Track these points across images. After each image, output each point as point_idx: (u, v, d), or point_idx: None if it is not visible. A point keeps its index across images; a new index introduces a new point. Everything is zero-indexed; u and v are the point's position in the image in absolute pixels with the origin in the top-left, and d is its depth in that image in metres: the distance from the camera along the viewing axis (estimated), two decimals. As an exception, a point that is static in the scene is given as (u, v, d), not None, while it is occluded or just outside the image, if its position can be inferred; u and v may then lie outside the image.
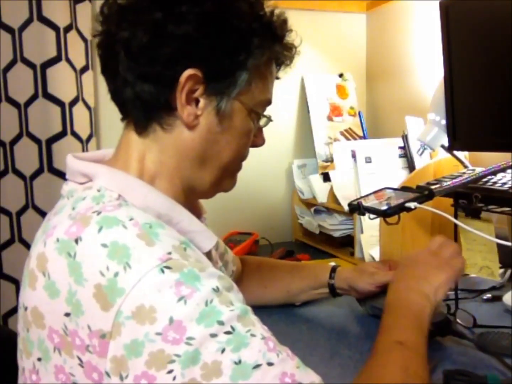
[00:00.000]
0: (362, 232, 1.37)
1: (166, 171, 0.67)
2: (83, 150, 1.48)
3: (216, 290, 0.53)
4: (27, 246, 1.48)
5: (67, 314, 0.53)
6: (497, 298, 1.05)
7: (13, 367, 0.63)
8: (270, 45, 0.68)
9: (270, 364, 0.51)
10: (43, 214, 1.46)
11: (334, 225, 1.48)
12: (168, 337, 0.49)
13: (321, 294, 1.02)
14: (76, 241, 0.55)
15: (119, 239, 0.53)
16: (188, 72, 0.62)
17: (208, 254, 0.66)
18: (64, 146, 1.45)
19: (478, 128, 1.09)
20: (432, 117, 1.20)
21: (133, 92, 0.64)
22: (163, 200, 0.63)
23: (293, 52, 0.72)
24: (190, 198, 0.71)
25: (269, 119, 0.74)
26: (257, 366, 0.50)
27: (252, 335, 0.52)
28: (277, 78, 0.74)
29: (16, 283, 1.49)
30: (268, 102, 0.72)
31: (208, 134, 0.66)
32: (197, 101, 0.65)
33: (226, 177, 0.73)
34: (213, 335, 0.50)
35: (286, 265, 1.08)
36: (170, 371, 0.48)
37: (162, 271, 0.51)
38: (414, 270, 0.79)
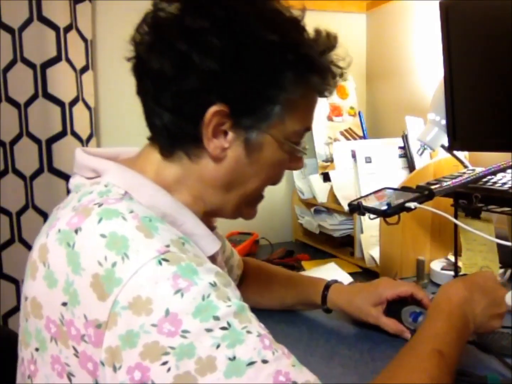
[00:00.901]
0: (362, 232, 1.37)
1: (187, 191, 0.66)
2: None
3: (214, 285, 0.53)
4: (27, 246, 1.48)
5: (64, 304, 0.53)
6: (497, 298, 1.05)
7: (13, 367, 0.63)
8: (307, 78, 0.63)
9: (264, 361, 0.50)
10: (43, 214, 1.46)
11: (334, 225, 1.48)
12: (164, 329, 0.49)
13: (316, 307, 1.01)
14: (76, 231, 0.55)
15: (118, 230, 0.54)
16: (213, 108, 0.60)
17: (212, 259, 0.66)
18: (64, 146, 1.45)
19: (478, 128, 1.09)
20: (432, 117, 1.20)
21: (161, 122, 0.63)
22: (169, 201, 0.63)
23: (337, 80, 0.67)
24: (209, 216, 0.71)
25: (303, 152, 0.70)
26: (252, 363, 0.49)
27: (248, 332, 0.51)
28: (325, 96, 0.69)
29: (16, 283, 1.49)
30: (306, 130, 0.69)
31: (235, 166, 0.65)
32: (225, 133, 0.63)
33: (249, 205, 0.72)
34: (209, 330, 0.50)
35: (282, 276, 1.05)
36: (164, 363, 0.48)
37: (160, 263, 0.51)
38: (476, 292, 0.73)
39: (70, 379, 0.53)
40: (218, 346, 0.49)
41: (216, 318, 0.51)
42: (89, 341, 0.51)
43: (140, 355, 0.49)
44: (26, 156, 1.45)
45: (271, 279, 1.05)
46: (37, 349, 0.56)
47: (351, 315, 0.94)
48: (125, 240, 0.53)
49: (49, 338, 0.55)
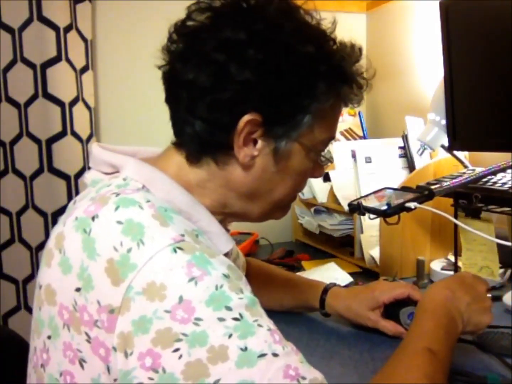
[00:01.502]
0: (362, 232, 1.37)
1: (208, 193, 0.67)
2: (83, 150, 1.48)
3: (227, 276, 0.53)
4: (27, 246, 1.48)
5: (78, 289, 0.53)
6: (497, 298, 1.05)
7: (14, 367, 0.64)
8: (338, 88, 0.66)
9: (275, 355, 0.51)
10: (43, 214, 1.46)
11: (334, 225, 1.48)
12: (177, 315, 0.49)
13: (314, 311, 1.01)
14: (93, 218, 0.56)
15: (135, 217, 0.54)
16: (247, 117, 0.61)
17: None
18: (64, 146, 1.45)
19: (478, 128, 1.09)
20: (432, 117, 1.20)
21: (193, 131, 0.64)
22: (186, 198, 0.63)
23: (364, 90, 0.69)
24: (232, 219, 0.72)
25: (329, 160, 0.72)
26: (263, 355, 0.50)
27: (259, 325, 0.52)
28: (352, 106, 0.71)
29: (16, 283, 1.49)
30: (331, 139, 0.70)
31: (262, 174, 0.66)
32: (254, 142, 0.64)
33: (278, 210, 0.73)
34: (221, 319, 0.50)
35: (281, 278, 1.06)
36: (176, 350, 0.49)
37: (175, 251, 0.52)
38: (457, 290, 0.74)
39: (82, 365, 0.54)
40: (230, 336, 0.50)
41: (229, 309, 0.51)
42: (102, 327, 0.51)
43: (152, 341, 0.49)
44: (26, 156, 1.45)
45: (270, 280, 1.05)
46: (49, 337, 0.57)
47: (348, 319, 0.95)
48: (141, 227, 0.54)
49: (62, 325, 0.55)
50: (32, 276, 1.50)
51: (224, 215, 0.70)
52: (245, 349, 0.49)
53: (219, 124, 0.63)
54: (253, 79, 0.60)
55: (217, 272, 0.53)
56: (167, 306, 0.50)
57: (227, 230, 0.76)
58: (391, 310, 0.90)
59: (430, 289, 0.76)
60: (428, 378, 0.58)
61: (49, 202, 1.46)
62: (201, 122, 0.63)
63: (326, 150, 0.71)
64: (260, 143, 0.64)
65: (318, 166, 0.72)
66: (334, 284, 0.98)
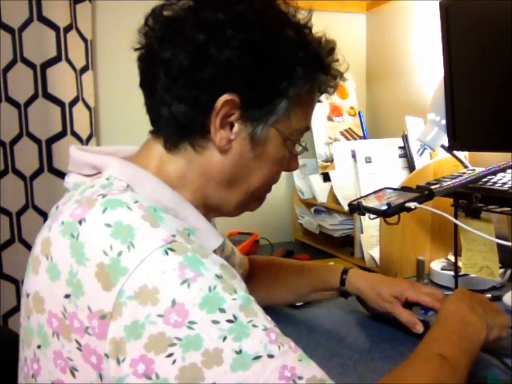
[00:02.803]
0: (362, 232, 1.37)
1: (189, 185, 0.66)
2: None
3: (219, 277, 0.52)
4: (27, 246, 1.48)
5: (67, 296, 0.52)
6: (497, 298, 1.05)
7: (13, 367, 0.63)
8: (314, 74, 0.67)
9: (270, 356, 0.50)
10: (43, 214, 1.46)
11: (334, 225, 1.48)
12: (170, 319, 0.49)
13: (331, 295, 1.00)
14: (80, 222, 0.55)
15: (124, 219, 0.53)
16: (225, 97, 0.61)
17: None
18: (64, 146, 1.45)
19: (478, 128, 1.09)
20: (432, 117, 1.20)
21: (169, 112, 0.63)
22: (171, 195, 0.63)
23: (338, 81, 0.71)
24: (212, 214, 0.71)
25: (305, 149, 0.72)
26: (258, 357, 0.49)
27: (254, 326, 0.51)
28: (318, 101, 0.73)
29: (16, 283, 1.49)
30: (306, 129, 0.71)
31: (239, 159, 0.66)
32: (231, 125, 0.64)
33: (253, 200, 0.73)
34: (215, 322, 0.50)
35: (295, 265, 1.06)
36: (170, 355, 0.48)
37: (166, 252, 0.51)
38: (468, 299, 0.75)
39: (73, 374, 0.53)
40: (224, 339, 0.49)
41: (222, 311, 0.50)
42: (93, 333, 0.51)
43: (145, 347, 0.48)
44: (26, 156, 1.45)
45: (283, 270, 1.04)
46: (39, 346, 0.56)
47: (367, 298, 0.94)
48: (131, 229, 0.52)
49: (51, 333, 0.54)
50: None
51: (205, 209, 0.69)
52: (239, 352, 0.49)
53: (196, 104, 0.62)
54: (232, 59, 0.60)
55: (210, 273, 0.52)
56: (160, 310, 0.49)
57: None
58: (405, 306, 0.90)
59: (443, 305, 0.76)
60: (435, 381, 0.58)
61: (49, 202, 1.46)
62: (177, 102, 0.62)
63: (301, 141, 0.71)
64: (236, 126, 0.64)
65: (294, 158, 0.73)
66: (352, 267, 1.00)
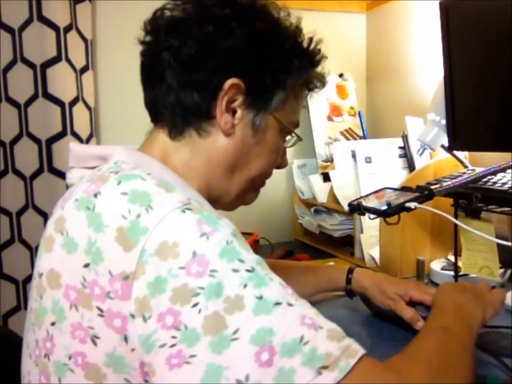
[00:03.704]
0: (362, 232, 1.37)
1: (194, 174, 0.68)
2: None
3: (234, 235, 0.55)
4: (27, 246, 1.48)
5: (86, 265, 0.53)
6: (497, 298, 1.05)
7: (13, 367, 0.63)
8: (307, 69, 0.73)
9: (289, 304, 0.51)
10: (43, 214, 1.47)
11: (334, 225, 1.48)
12: (192, 270, 0.50)
13: (337, 295, 1.01)
14: (95, 195, 0.56)
15: (139, 187, 0.55)
16: (232, 80, 0.65)
17: None
18: (64, 146, 1.45)
19: (478, 128, 1.09)
20: (432, 117, 1.20)
21: (176, 98, 0.66)
22: (177, 180, 0.64)
23: (324, 81, 0.77)
24: (213, 206, 0.72)
25: (299, 138, 0.76)
26: (278, 303, 0.51)
27: (271, 279, 0.53)
28: (315, 90, 0.78)
29: (16, 283, 1.49)
30: (297, 124, 0.76)
31: (241, 145, 0.69)
32: (234, 112, 0.68)
33: (251, 190, 0.76)
34: (235, 270, 0.51)
35: (300, 267, 1.07)
36: (195, 305, 0.49)
37: (184, 211, 0.53)
38: (465, 288, 0.78)
39: (94, 342, 0.53)
40: (245, 286, 0.50)
41: (241, 261, 0.52)
42: (115, 296, 0.51)
43: (170, 300, 0.49)
44: (26, 156, 1.45)
45: (288, 270, 1.04)
46: (53, 323, 0.56)
47: (371, 296, 0.94)
48: (147, 194, 0.54)
49: (68, 306, 0.54)
50: (32, 276, 1.49)
51: (209, 200, 0.69)
52: (260, 298, 0.50)
53: (204, 88, 0.66)
54: (237, 46, 0.66)
55: (226, 230, 0.54)
56: (182, 263, 0.50)
57: None
58: (408, 305, 0.90)
59: (435, 296, 0.79)
60: (443, 346, 0.60)
61: (49, 202, 1.46)
62: (185, 87, 0.66)
63: (293, 135, 0.76)
64: (239, 112, 0.68)
65: (284, 154, 0.78)
66: (357, 266, 1.01)
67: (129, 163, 0.62)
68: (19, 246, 1.48)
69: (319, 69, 0.75)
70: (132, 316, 0.50)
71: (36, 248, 1.47)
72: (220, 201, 0.73)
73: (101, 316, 0.52)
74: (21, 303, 1.50)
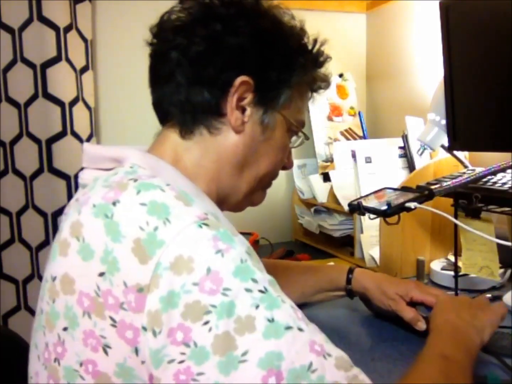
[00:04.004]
0: (362, 232, 1.37)
1: (204, 174, 0.69)
2: (83, 150, 1.48)
3: (249, 254, 0.55)
4: (27, 246, 1.48)
5: (101, 274, 0.53)
6: (497, 298, 1.05)
7: (14, 366, 0.63)
8: (312, 68, 0.74)
9: (300, 329, 0.51)
10: (43, 214, 1.47)
11: (334, 225, 1.48)
12: (205, 287, 0.50)
13: (337, 296, 1.01)
14: (114, 203, 0.56)
15: (158, 199, 0.55)
16: (242, 78, 0.66)
17: None
18: (64, 146, 1.45)
19: (478, 128, 1.09)
20: (432, 117, 1.20)
21: (186, 96, 0.67)
22: (191, 187, 0.64)
23: (328, 81, 0.78)
24: (220, 208, 0.72)
25: (306, 137, 0.77)
26: (289, 328, 0.50)
27: (283, 301, 0.53)
28: (318, 91, 0.79)
29: (16, 283, 1.49)
30: (303, 124, 0.77)
31: (251, 142, 0.70)
32: (243, 110, 0.68)
33: (259, 189, 0.77)
34: (248, 290, 0.51)
35: (300, 267, 1.07)
36: (206, 323, 0.49)
37: (200, 226, 0.53)
38: (462, 307, 0.78)
39: (106, 352, 0.53)
40: (257, 307, 0.50)
41: (255, 281, 0.52)
42: (129, 308, 0.51)
43: (182, 316, 0.49)
44: (26, 156, 1.45)
45: (289, 270, 1.05)
46: (65, 328, 0.55)
47: (372, 296, 0.95)
48: (166, 207, 0.54)
49: (81, 313, 0.54)
50: (32, 276, 1.50)
51: (217, 201, 0.70)
52: (272, 320, 0.50)
53: (214, 85, 0.66)
54: (244, 44, 0.66)
55: (241, 248, 0.54)
56: (195, 279, 0.50)
57: None
58: (409, 305, 0.90)
59: (432, 317, 0.78)
60: (444, 376, 0.60)
61: (49, 202, 1.46)
62: (195, 85, 0.66)
63: (299, 134, 0.77)
64: (248, 110, 0.68)
65: (290, 155, 0.79)
66: (357, 266, 1.01)
67: (144, 167, 0.62)
68: (19, 246, 1.48)
69: (323, 70, 0.76)
70: (144, 329, 0.50)
71: (36, 248, 1.47)
72: (228, 200, 0.73)
73: (114, 326, 0.52)
74: (21, 303, 1.50)
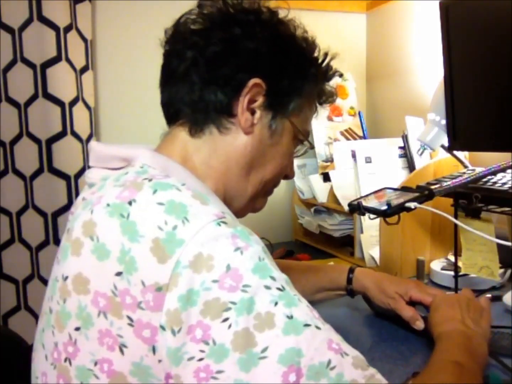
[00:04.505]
0: (362, 232, 1.37)
1: (212, 174, 0.69)
2: (83, 150, 1.48)
3: (265, 252, 0.55)
4: (27, 246, 1.48)
5: (119, 273, 0.53)
6: (497, 298, 1.05)
7: (14, 366, 0.63)
8: (322, 80, 0.76)
9: (318, 327, 0.52)
10: (43, 214, 1.47)
11: (334, 225, 1.48)
12: (225, 284, 0.50)
13: (338, 295, 1.01)
14: (130, 203, 0.55)
15: (176, 198, 0.55)
16: (255, 80, 0.67)
17: None
18: (64, 146, 1.45)
19: (478, 128, 1.09)
20: (432, 117, 1.20)
21: (199, 95, 0.68)
22: (201, 187, 0.64)
23: (334, 97, 0.80)
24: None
25: (311, 146, 0.79)
26: (307, 325, 0.51)
27: (299, 300, 0.54)
28: (322, 104, 0.80)
29: (16, 283, 1.49)
30: (308, 134, 0.78)
31: (259, 144, 0.70)
32: (253, 112, 0.69)
33: (262, 195, 0.77)
34: (267, 287, 0.51)
35: (301, 266, 1.08)
36: (225, 320, 0.49)
37: (219, 224, 0.53)
38: (461, 311, 0.79)
39: (122, 351, 0.53)
40: (276, 304, 0.51)
41: (273, 278, 0.53)
42: (147, 307, 0.51)
43: (201, 313, 0.49)
44: (26, 156, 1.45)
45: (289, 270, 1.04)
46: (77, 328, 0.55)
47: (372, 295, 0.95)
48: (184, 206, 0.54)
49: (97, 313, 0.54)
50: (32, 276, 1.50)
51: (223, 203, 0.70)
52: (291, 317, 0.51)
53: (228, 85, 0.67)
54: (260, 48, 0.68)
55: (258, 246, 0.54)
56: (215, 276, 0.50)
57: None
58: (408, 304, 0.90)
59: (431, 317, 0.79)
60: (458, 381, 0.60)
61: (49, 202, 1.46)
62: (208, 84, 0.67)
63: (305, 143, 0.78)
64: (258, 113, 0.69)
65: (292, 164, 0.79)
66: (358, 266, 1.02)
67: (155, 167, 0.62)
68: (19, 246, 1.48)
69: (330, 84, 0.78)
70: (162, 328, 0.50)
71: (36, 248, 1.47)
72: (233, 203, 0.73)
73: (131, 325, 0.52)
74: (21, 303, 1.50)
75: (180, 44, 0.70)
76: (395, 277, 0.98)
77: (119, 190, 0.57)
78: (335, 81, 0.78)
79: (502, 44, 0.96)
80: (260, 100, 0.68)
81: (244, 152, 0.70)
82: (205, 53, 0.67)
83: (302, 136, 0.75)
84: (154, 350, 0.51)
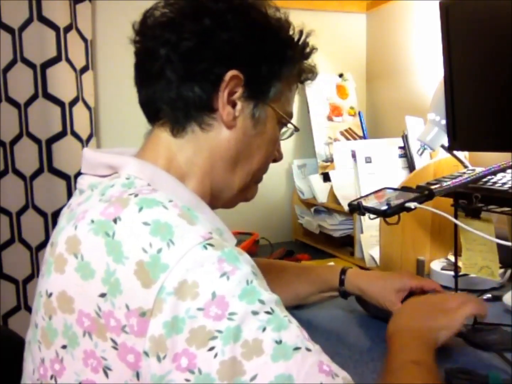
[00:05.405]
0: (362, 232, 1.37)
1: (197, 171, 0.68)
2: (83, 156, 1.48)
3: (254, 274, 0.54)
4: (27, 246, 1.48)
5: (102, 295, 0.52)
6: (497, 298, 1.05)
7: (14, 367, 0.63)
8: (300, 59, 0.74)
9: (308, 350, 0.51)
10: (43, 214, 1.47)
11: (334, 225, 1.48)
12: (210, 312, 0.49)
13: (331, 296, 1.01)
14: (115, 220, 0.54)
15: (161, 218, 0.53)
16: (232, 72, 0.65)
17: None
18: (64, 146, 1.45)
19: (478, 128, 1.09)
20: (432, 117, 1.20)
21: (176, 93, 0.66)
22: (189, 196, 0.64)
23: (315, 71, 0.78)
24: (214, 204, 0.72)
25: (296, 129, 0.77)
26: (297, 348, 0.50)
27: (289, 321, 0.53)
28: (304, 82, 0.79)
29: (16, 283, 1.49)
30: (291, 115, 0.77)
31: (243, 137, 0.69)
32: (233, 105, 0.68)
33: (252, 184, 0.76)
34: (255, 313, 0.50)
35: (294, 268, 1.07)
36: (211, 348, 0.48)
37: (205, 247, 0.52)
38: (421, 308, 0.79)
39: (106, 374, 0.52)
40: (264, 329, 0.50)
41: (261, 302, 0.51)
42: (131, 332, 0.50)
43: (187, 341, 0.48)
44: (26, 156, 1.45)
45: (283, 271, 1.05)
46: (64, 347, 0.54)
47: (368, 297, 0.95)
48: (169, 227, 0.53)
49: (82, 333, 0.53)
50: (32, 276, 1.50)
51: (211, 197, 0.70)
52: (280, 342, 0.50)
53: (205, 80, 0.66)
54: (234, 38, 0.66)
55: (246, 268, 0.53)
56: (200, 304, 0.49)
57: None
58: (404, 300, 0.91)
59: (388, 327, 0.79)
60: (421, 381, 0.60)
61: (49, 202, 1.46)
62: (185, 81, 0.66)
63: (289, 126, 0.77)
64: (239, 104, 0.68)
65: (279, 147, 0.78)
66: (351, 267, 1.01)
67: (142, 178, 0.61)
68: (19, 246, 1.48)
69: (309, 61, 0.76)
70: (146, 354, 0.49)
71: (36, 248, 1.47)
72: (222, 196, 0.72)
73: (115, 348, 0.51)
74: (21, 303, 1.50)
75: (152, 41, 0.68)
76: (387, 274, 0.98)
77: (104, 206, 0.56)
78: (312, 59, 0.76)
79: (502, 44, 0.96)
80: (239, 91, 0.67)
81: (229, 146, 0.69)
82: (178, 49, 0.65)
83: (286, 120, 0.75)
84: (138, 376, 0.50)
